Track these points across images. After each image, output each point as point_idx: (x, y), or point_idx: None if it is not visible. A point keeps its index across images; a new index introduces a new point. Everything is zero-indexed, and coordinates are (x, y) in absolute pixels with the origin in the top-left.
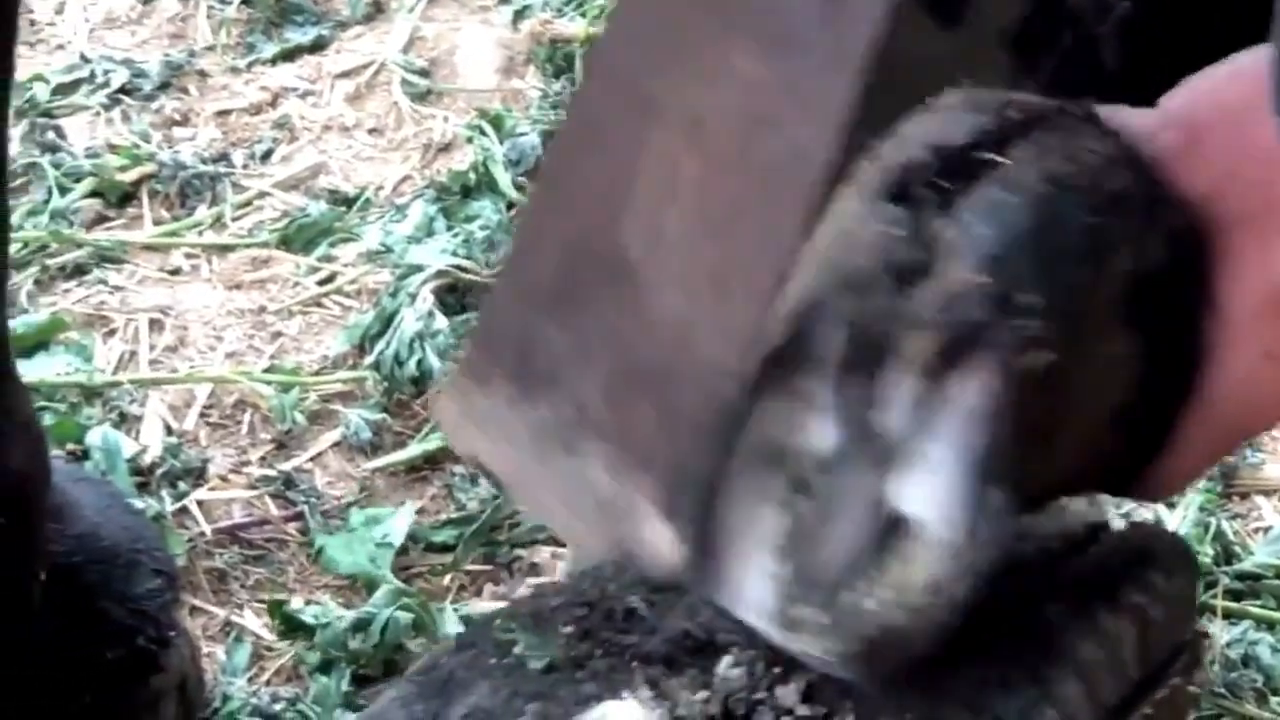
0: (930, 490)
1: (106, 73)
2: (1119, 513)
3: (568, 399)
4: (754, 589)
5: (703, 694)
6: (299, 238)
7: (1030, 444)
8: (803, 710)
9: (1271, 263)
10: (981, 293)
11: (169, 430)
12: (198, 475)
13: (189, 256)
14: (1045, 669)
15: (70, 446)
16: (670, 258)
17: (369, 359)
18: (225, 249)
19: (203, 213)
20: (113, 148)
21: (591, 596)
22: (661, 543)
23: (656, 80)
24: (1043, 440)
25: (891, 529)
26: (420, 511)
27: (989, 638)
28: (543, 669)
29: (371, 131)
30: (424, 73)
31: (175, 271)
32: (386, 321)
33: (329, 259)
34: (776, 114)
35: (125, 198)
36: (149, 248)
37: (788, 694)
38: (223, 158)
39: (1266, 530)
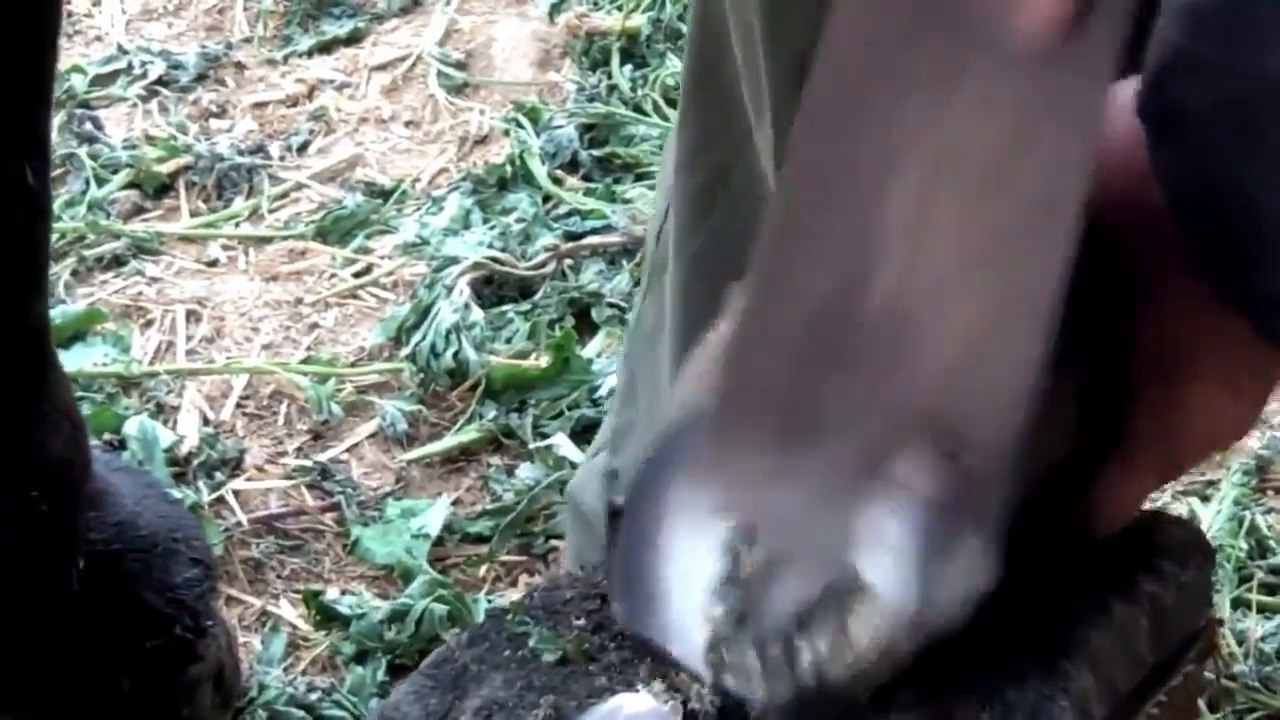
0: (889, 561)
1: (144, 64)
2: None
3: (846, 452)
4: (686, 628)
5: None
6: (335, 229)
7: None
8: None
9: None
10: None
11: (206, 420)
12: (234, 465)
13: (226, 248)
14: (1058, 659)
15: (107, 436)
16: (938, 298)
17: (405, 350)
18: (262, 240)
19: (240, 204)
20: (150, 139)
21: (605, 589)
22: (973, 560)
23: (892, 114)
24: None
25: (843, 586)
26: (456, 503)
27: (1002, 628)
28: (555, 662)
29: (408, 124)
30: (460, 65)
31: (212, 263)
32: (423, 313)
33: (365, 251)
34: (1033, 133)
35: (162, 189)
36: (186, 239)
37: None
38: (259, 149)
39: None
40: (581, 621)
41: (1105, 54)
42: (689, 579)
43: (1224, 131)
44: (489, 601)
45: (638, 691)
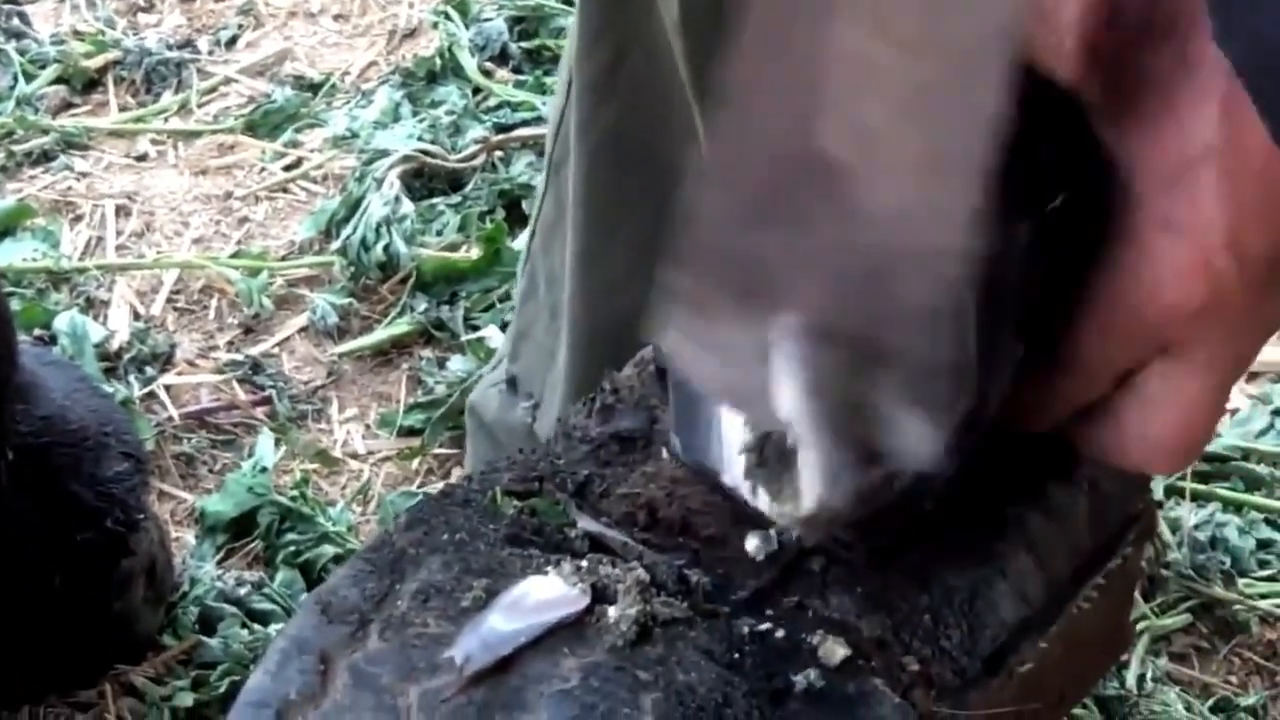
0: (787, 382)
1: None
2: None
3: (797, 310)
4: (731, 458)
5: (627, 567)
6: (265, 123)
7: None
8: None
9: (1178, 129)
10: None
11: (136, 315)
12: (165, 360)
13: (155, 143)
14: (996, 543)
15: (38, 331)
16: (876, 151)
17: (335, 244)
18: (191, 135)
19: (168, 99)
20: (78, 34)
21: (543, 470)
22: (915, 435)
23: None
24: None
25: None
26: (387, 396)
27: (939, 514)
28: (488, 547)
29: (337, 18)
30: None
31: (141, 157)
32: (353, 206)
33: (295, 145)
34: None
35: (91, 84)
36: (115, 134)
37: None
38: (188, 44)
39: (1234, 413)
40: (516, 504)
41: None
42: (731, 416)
43: None
44: (422, 495)
45: (546, 575)
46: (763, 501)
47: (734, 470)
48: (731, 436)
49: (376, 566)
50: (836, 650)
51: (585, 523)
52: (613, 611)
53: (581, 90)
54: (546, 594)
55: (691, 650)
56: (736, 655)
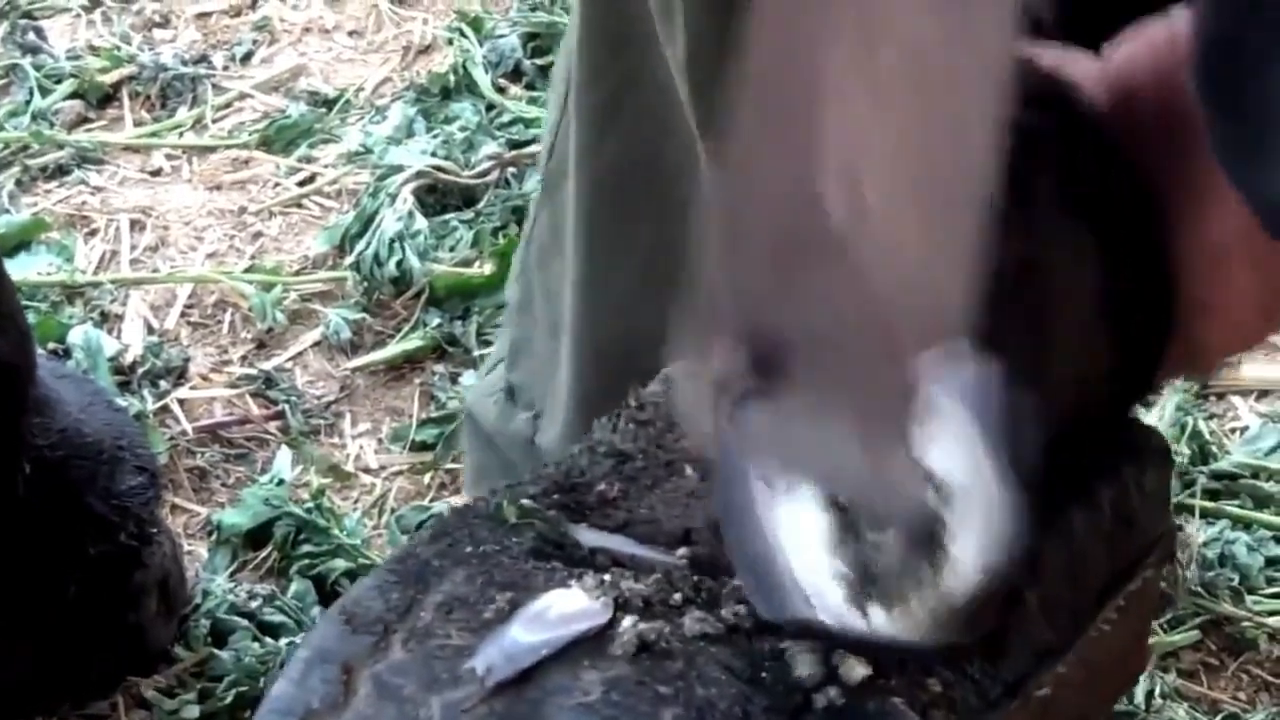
0: (950, 440)
1: None
2: None
3: (809, 381)
4: (824, 595)
5: (650, 581)
6: (279, 139)
7: (1030, 334)
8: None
9: (1207, 227)
10: None
11: (150, 329)
12: (179, 374)
13: (170, 157)
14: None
15: (52, 345)
16: (876, 229)
17: (349, 259)
18: (206, 150)
19: (183, 114)
20: (93, 49)
21: (567, 484)
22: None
23: (819, 51)
24: (1041, 331)
25: (933, 494)
26: (399, 411)
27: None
28: (511, 560)
29: (351, 34)
30: None
31: (156, 172)
32: (366, 222)
33: (309, 160)
34: (952, 75)
35: (106, 99)
36: (130, 148)
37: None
38: (203, 59)
39: (1243, 430)
40: (552, 513)
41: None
42: (805, 552)
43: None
44: (435, 509)
45: (569, 588)
46: (877, 619)
47: (828, 604)
48: (811, 575)
49: (401, 578)
50: (857, 668)
51: (589, 537)
52: (634, 625)
53: (582, 122)
54: (569, 607)
55: (712, 665)
56: (757, 671)
